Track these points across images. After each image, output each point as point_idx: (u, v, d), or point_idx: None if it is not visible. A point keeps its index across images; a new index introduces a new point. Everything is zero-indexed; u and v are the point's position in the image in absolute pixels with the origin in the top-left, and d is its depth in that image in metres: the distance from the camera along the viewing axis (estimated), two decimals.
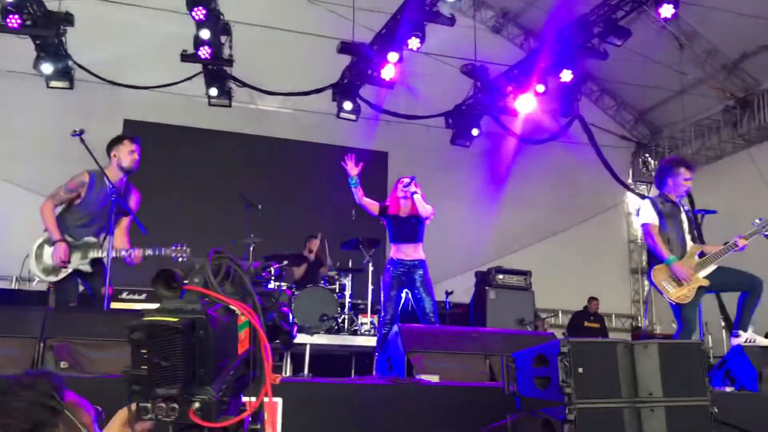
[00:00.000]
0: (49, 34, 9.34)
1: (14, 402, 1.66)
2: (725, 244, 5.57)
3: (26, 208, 10.81)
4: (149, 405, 1.28)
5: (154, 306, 1.37)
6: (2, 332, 4.39)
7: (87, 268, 5.46)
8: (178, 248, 5.47)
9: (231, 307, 1.42)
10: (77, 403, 1.76)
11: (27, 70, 10.09)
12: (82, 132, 5.33)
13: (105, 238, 5.52)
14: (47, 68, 9.71)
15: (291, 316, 1.78)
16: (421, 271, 6.44)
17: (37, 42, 9.52)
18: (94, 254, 5.48)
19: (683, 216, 5.71)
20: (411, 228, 6.51)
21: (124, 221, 5.70)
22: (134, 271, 5.84)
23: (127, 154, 5.58)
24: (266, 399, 1.42)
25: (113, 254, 5.40)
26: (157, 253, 5.48)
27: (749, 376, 5.22)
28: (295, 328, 1.88)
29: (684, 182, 5.69)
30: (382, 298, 6.63)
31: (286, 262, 8.85)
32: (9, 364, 4.17)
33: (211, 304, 1.36)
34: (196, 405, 1.29)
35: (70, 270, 5.44)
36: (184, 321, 1.27)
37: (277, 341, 1.74)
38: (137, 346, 1.26)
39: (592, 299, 12.62)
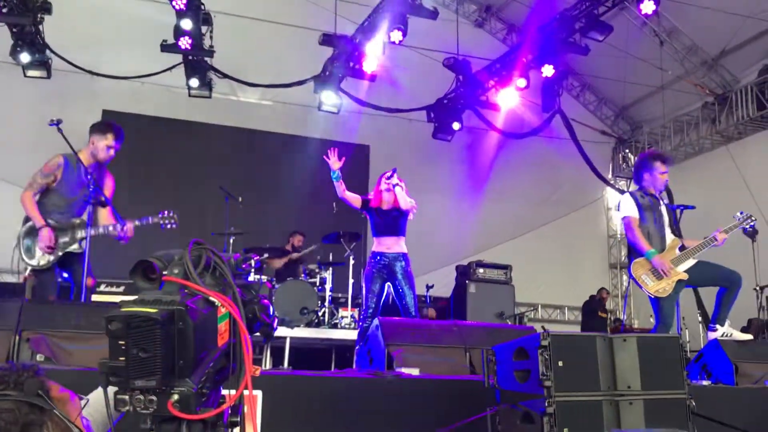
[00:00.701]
0: (26, 23, 9.20)
1: (2, 403, 1.62)
2: (705, 238, 5.63)
3: (1, 198, 10.70)
4: (127, 397, 1.26)
5: (130, 298, 1.35)
6: None
7: (77, 249, 5.41)
8: (165, 215, 5.47)
9: (211, 298, 1.40)
10: (63, 398, 1.71)
11: (4, 59, 9.93)
12: (59, 121, 5.26)
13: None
14: (24, 57, 9.57)
15: (271, 309, 1.76)
16: (403, 264, 6.44)
17: (14, 30, 9.37)
18: (82, 234, 5.43)
19: (662, 209, 5.77)
20: (393, 221, 6.50)
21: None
22: (112, 264, 5.78)
23: (104, 148, 5.53)
24: (246, 391, 1.40)
25: (101, 231, 5.36)
26: (145, 222, 5.47)
27: (725, 370, 5.28)
28: (276, 321, 1.86)
29: (660, 176, 5.74)
30: (363, 291, 6.63)
31: (266, 255, 8.81)
32: None
33: (190, 295, 1.34)
34: (175, 397, 1.27)
35: (60, 254, 5.37)
36: (163, 312, 1.25)
37: (258, 333, 1.72)
38: (115, 337, 1.24)
39: (604, 290, 12.99)
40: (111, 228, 5.41)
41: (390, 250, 6.46)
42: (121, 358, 1.24)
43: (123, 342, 1.24)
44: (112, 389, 1.30)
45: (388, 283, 6.48)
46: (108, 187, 5.66)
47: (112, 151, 5.57)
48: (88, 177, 5.40)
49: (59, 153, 5.50)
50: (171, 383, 1.26)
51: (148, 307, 1.25)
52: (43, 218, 5.32)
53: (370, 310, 6.39)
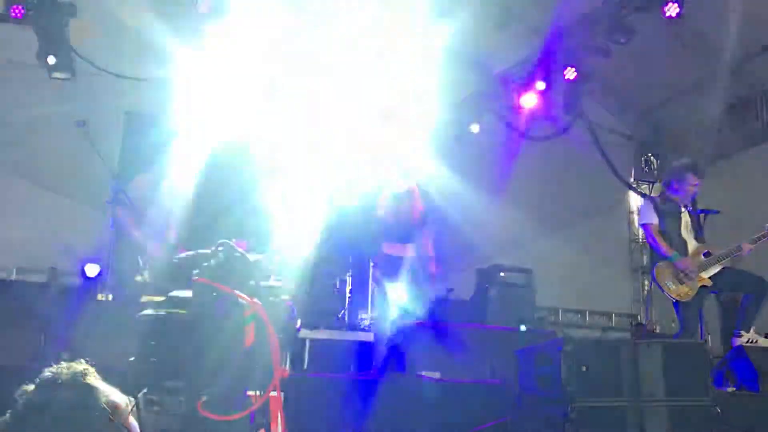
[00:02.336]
0: (51, 24, 9.31)
1: (56, 403, 1.64)
2: (730, 247, 5.58)
3: (25, 198, 10.83)
4: (156, 398, 1.27)
5: (159, 299, 1.35)
6: (4, 322, 4.38)
7: None
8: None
9: (239, 300, 1.40)
10: (114, 399, 1.73)
11: (28, 60, 10.05)
12: (84, 123, 5.33)
13: None
14: (50, 59, 9.67)
15: (294, 311, 1.76)
16: (407, 268, 6.49)
17: (40, 32, 9.47)
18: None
19: (685, 216, 5.72)
20: (400, 228, 6.55)
21: None
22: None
23: None
24: (274, 392, 1.40)
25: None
26: None
27: (750, 377, 5.21)
28: (299, 323, 1.87)
29: (690, 188, 5.71)
30: (377, 294, 6.69)
31: None
32: (10, 354, 4.17)
33: (219, 296, 1.35)
34: (204, 398, 1.27)
35: None
36: (193, 313, 1.25)
37: (281, 335, 1.72)
38: (145, 337, 1.25)
39: None
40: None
41: (396, 254, 6.52)
42: (152, 359, 1.25)
43: (153, 342, 1.24)
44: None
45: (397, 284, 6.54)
46: None
47: None
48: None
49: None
50: (200, 384, 1.26)
51: (178, 308, 1.26)
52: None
53: (384, 313, 6.43)
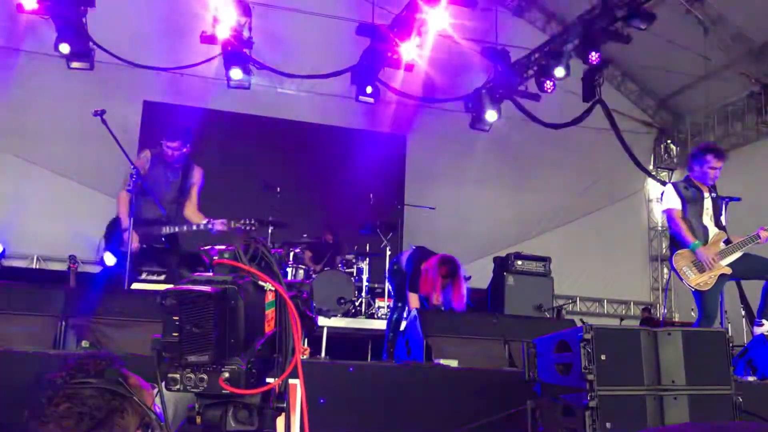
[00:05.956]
0: (69, 15, 9.34)
1: (85, 390, 1.65)
2: (748, 235, 5.52)
3: (46, 187, 10.95)
4: (178, 375, 1.27)
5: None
6: (24, 310, 4.42)
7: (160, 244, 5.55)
8: (246, 221, 5.59)
9: (260, 282, 1.40)
10: (140, 385, 1.75)
11: (48, 51, 10.11)
12: (103, 112, 5.34)
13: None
14: (68, 49, 9.71)
15: (312, 305, 1.77)
16: None
17: (58, 23, 9.52)
18: (166, 230, 5.54)
19: (707, 202, 5.65)
20: None
21: (193, 197, 5.86)
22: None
23: (166, 147, 5.73)
24: (295, 380, 1.40)
25: (193, 228, 5.46)
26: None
27: None
28: (317, 318, 1.87)
29: (711, 170, 5.62)
30: (390, 285, 6.74)
31: (305, 247, 8.88)
32: (30, 341, 4.21)
33: (241, 277, 1.35)
34: (226, 375, 1.27)
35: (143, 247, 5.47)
36: (216, 289, 1.26)
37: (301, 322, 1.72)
38: (169, 313, 1.25)
39: None
40: (203, 225, 5.48)
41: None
42: (175, 334, 1.25)
43: (176, 318, 1.24)
44: (171, 396, 1.32)
45: None
46: (197, 176, 5.91)
47: (169, 151, 5.71)
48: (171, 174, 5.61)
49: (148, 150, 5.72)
50: (222, 361, 1.27)
51: (201, 285, 1.26)
52: (128, 221, 5.44)
53: (399, 303, 6.44)
